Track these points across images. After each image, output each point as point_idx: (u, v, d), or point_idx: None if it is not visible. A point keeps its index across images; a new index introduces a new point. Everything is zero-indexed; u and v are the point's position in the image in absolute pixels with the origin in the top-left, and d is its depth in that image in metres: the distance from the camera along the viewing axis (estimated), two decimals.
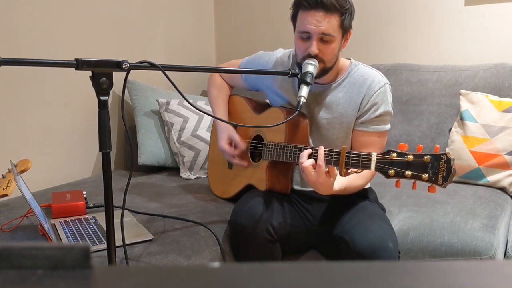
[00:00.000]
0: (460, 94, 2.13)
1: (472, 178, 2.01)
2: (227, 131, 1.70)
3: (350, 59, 1.60)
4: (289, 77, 1.45)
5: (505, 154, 1.94)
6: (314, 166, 1.35)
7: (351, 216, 1.50)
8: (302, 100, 1.40)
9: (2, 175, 1.66)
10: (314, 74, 1.43)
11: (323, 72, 1.50)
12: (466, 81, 2.21)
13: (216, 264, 0.43)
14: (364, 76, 1.54)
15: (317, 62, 1.44)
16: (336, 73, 1.57)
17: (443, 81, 2.26)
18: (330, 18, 1.42)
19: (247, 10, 2.99)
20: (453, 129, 2.11)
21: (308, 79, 1.41)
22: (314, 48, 1.44)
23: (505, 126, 1.97)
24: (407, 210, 1.73)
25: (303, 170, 1.35)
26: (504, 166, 1.95)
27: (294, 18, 1.50)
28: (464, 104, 2.09)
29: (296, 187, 1.67)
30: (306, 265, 0.41)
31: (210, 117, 2.29)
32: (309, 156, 1.37)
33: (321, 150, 1.34)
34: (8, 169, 1.66)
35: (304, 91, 1.41)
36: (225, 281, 0.38)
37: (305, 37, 1.46)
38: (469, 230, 1.56)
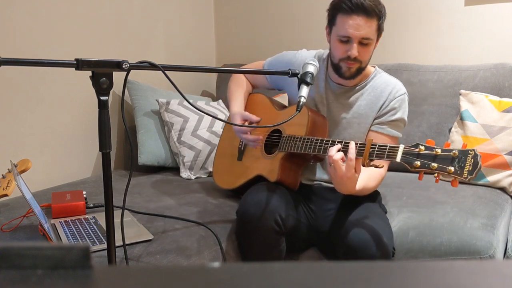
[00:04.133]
0: (460, 94, 2.13)
1: None
2: (239, 113, 1.74)
3: (375, 67, 1.67)
4: (289, 77, 1.46)
5: (505, 154, 1.94)
6: (343, 159, 1.36)
7: (349, 214, 1.52)
8: (302, 100, 1.40)
9: (2, 175, 1.66)
10: (315, 74, 1.44)
11: (358, 72, 1.56)
12: (466, 81, 2.21)
13: (216, 264, 0.43)
14: (387, 83, 1.62)
15: (317, 62, 1.45)
16: (361, 77, 1.62)
17: (443, 81, 2.26)
18: (371, 23, 1.47)
19: (247, 10, 2.99)
20: (453, 129, 2.10)
21: (308, 79, 1.42)
22: (354, 51, 1.50)
23: (505, 126, 1.97)
24: (407, 210, 1.73)
25: (333, 163, 1.36)
26: (504, 166, 1.95)
27: (332, 21, 1.54)
28: (464, 104, 2.09)
29: (304, 181, 1.69)
30: (306, 265, 0.41)
31: (211, 117, 2.29)
32: (338, 151, 1.39)
33: (352, 145, 1.36)
34: (8, 169, 1.66)
35: (304, 91, 1.42)
36: (225, 281, 0.38)
37: (345, 40, 1.50)
38: (469, 229, 1.56)
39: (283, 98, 2.10)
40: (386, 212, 1.67)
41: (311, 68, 1.44)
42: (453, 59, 2.40)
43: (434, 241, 1.56)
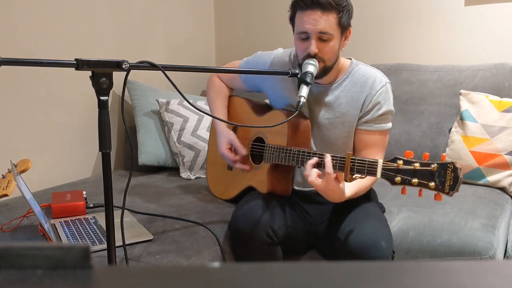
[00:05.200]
0: (460, 94, 2.13)
1: (472, 178, 2.01)
2: (226, 136, 1.69)
3: (350, 59, 1.60)
4: (289, 77, 1.45)
5: (505, 154, 1.94)
6: (320, 175, 1.35)
7: (347, 216, 1.51)
8: (302, 100, 1.39)
9: (2, 175, 1.66)
10: (314, 74, 1.43)
11: (324, 71, 1.49)
12: (466, 81, 2.21)
13: (216, 264, 0.43)
14: (365, 76, 1.55)
15: (317, 62, 1.44)
16: (336, 73, 1.56)
17: (443, 81, 2.26)
18: (328, 16, 1.41)
19: (247, 10, 2.99)
20: (453, 129, 2.10)
21: (308, 79, 1.41)
22: (313, 47, 1.44)
23: (505, 126, 1.97)
24: (407, 210, 1.73)
25: (311, 183, 1.35)
26: (504, 166, 1.95)
27: (292, 20, 1.50)
28: (464, 104, 2.09)
29: (297, 187, 1.67)
30: (306, 265, 0.41)
31: (210, 117, 2.29)
32: (314, 165, 1.37)
33: (328, 158, 1.34)
34: (8, 169, 1.66)
35: (304, 91, 1.41)
36: (225, 281, 0.38)
37: (304, 37, 1.45)
38: (469, 230, 1.56)
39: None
40: (384, 211, 1.66)
41: (310, 68, 1.42)
42: (453, 59, 2.40)
43: (434, 241, 1.56)
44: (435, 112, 2.24)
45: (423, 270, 0.41)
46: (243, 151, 1.65)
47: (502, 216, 1.72)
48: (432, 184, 1.17)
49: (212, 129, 1.89)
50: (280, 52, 1.68)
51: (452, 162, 1.16)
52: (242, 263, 0.42)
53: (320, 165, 1.37)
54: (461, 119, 2.08)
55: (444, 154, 1.21)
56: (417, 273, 0.41)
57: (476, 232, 1.55)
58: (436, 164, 1.17)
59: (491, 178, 1.98)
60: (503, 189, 1.98)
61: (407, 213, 1.70)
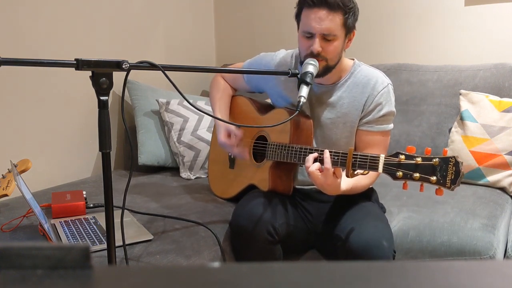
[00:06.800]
0: (460, 94, 2.13)
1: (472, 178, 2.01)
2: (224, 126, 1.70)
3: (353, 59, 1.60)
4: (289, 77, 1.45)
5: (505, 154, 1.94)
6: (320, 169, 1.36)
7: (348, 215, 1.51)
8: (302, 100, 1.40)
9: (2, 175, 1.66)
10: (314, 74, 1.43)
11: (325, 70, 1.49)
12: (466, 81, 2.21)
13: (216, 264, 0.43)
14: (367, 77, 1.55)
15: (317, 62, 1.44)
16: (339, 74, 1.57)
17: (443, 81, 2.26)
18: (333, 16, 1.42)
19: (247, 10, 2.99)
20: (453, 129, 2.10)
21: (308, 79, 1.41)
22: (316, 46, 1.44)
23: (505, 126, 1.97)
24: (407, 210, 1.73)
25: (310, 174, 1.36)
26: (504, 166, 1.95)
27: (298, 17, 1.51)
28: (464, 104, 2.09)
29: (298, 186, 1.67)
30: (306, 265, 0.41)
31: (210, 117, 2.29)
32: (315, 160, 1.38)
33: (327, 154, 1.35)
34: (8, 169, 1.66)
35: (304, 91, 1.41)
36: (225, 281, 0.38)
37: (309, 35, 1.46)
38: (469, 230, 1.56)
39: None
40: (385, 211, 1.67)
41: (310, 68, 1.42)
42: (453, 59, 2.40)
43: (434, 241, 1.56)
44: (435, 112, 2.24)
45: (423, 270, 0.41)
46: (239, 133, 1.64)
47: (502, 216, 1.72)
48: (433, 178, 1.17)
49: (215, 129, 1.90)
50: (284, 54, 1.68)
51: (454, 157, 1.16)
52: (242, 263, 0.42)
53: (320, 161, 1.38)
54: (461, 119, 2.08)
55: (446, 148, 1.21)
56: (417, 273, 0.41)
57: (476, 232, 1.55)
58: (437, 159, 1.17)
59: (491, 178, 1.98)
60: (503, 189, 1.98)
61: (407, 213, 1.70)
